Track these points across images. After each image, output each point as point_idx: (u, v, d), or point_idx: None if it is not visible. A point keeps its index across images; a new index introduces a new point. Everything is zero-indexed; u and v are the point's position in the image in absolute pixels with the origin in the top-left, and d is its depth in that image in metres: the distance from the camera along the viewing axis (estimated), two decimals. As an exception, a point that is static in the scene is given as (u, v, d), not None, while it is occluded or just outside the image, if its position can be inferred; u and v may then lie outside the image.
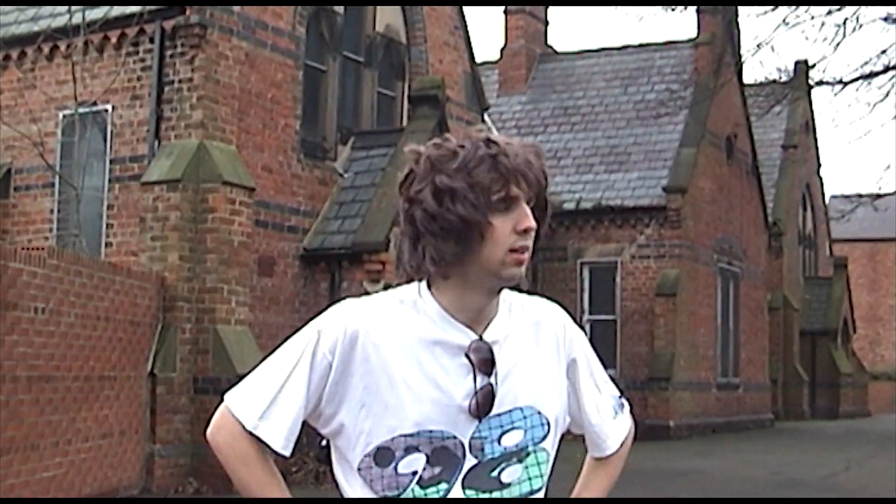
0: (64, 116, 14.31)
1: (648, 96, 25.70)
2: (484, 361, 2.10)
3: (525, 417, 2.16)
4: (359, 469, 2.09)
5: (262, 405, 2.08)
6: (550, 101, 27.52)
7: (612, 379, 2.46)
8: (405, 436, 2.05)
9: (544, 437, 2.20)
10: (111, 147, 14.10)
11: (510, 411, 2.13)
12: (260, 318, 14.29)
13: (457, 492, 2.08)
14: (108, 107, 14.04)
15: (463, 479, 2.08)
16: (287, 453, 2.10)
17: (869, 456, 20.17)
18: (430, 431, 2.06)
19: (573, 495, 2.47)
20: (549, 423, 2.20)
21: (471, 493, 2.09)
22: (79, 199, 13.28)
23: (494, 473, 2.11)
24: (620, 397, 2.44)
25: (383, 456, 2.06)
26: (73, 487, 10.66)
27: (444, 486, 2.07)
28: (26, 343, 9.97)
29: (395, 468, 2.05)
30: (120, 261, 13.22)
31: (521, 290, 2.24)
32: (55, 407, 10.42)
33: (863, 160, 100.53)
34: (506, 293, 2.18)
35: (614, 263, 24.16)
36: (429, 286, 2.14)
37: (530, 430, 2.17)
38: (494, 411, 2.11)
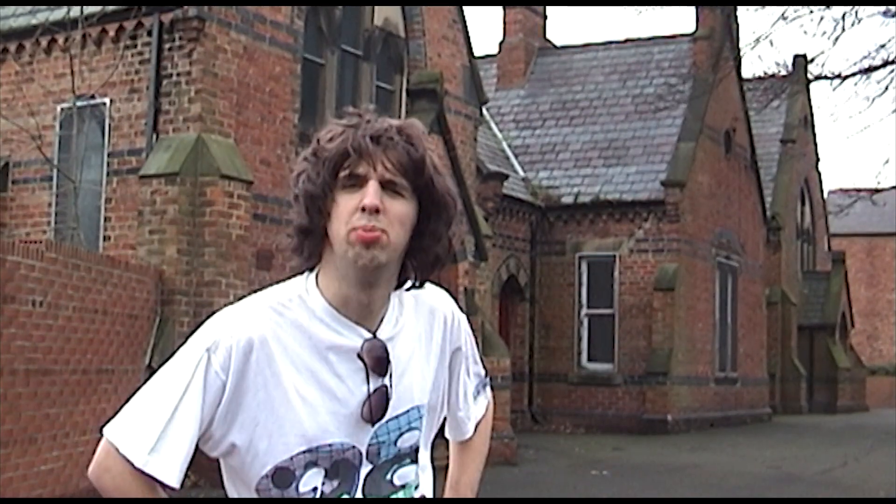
0: (62, 110, 14.29)
1: (647, 90, 25.70)
2: (378, 361, 1.96)
3: (420, 417, 2.04)
4: (257, 490, 1.95)
5: (151, 438, 1.88)
6: (549, 95, 27.51)
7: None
8: (304, 452, 1.92)
9: (426, 433, 2.09)
10: (109, 140, 14.08)
11: (407, 411, 2.02)
12: (258, 312, 14.28)
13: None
14: (107, 100, 14.02)
15: (362, 487, 1.98)
16: (178, 486, 1.91)
17: (867, 451, 20.20)
18: (330, 445, 1.93)
19: (450, 480, 2.37)
20: (427, 417, 2.08)
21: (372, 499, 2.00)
22: (77, 192, 13.27)
23: (388, 476, 2.01)
24: (486, 376, 2.35)
25: (282, 476, 1.93)
26: (70, 481, 10.66)
27: (345, 496, 1.97)
28: (24, 336, 9.96)
29: (297, 488, 1.93)
30: (118, 254, 13.22)
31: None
32: (53, 400, 10.42)
33: (861, 155, 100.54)
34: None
35: (612, 257, 24.17)
36: (317, 278, 2.01)
37: (426, 428, 2.07)
38: (392, 413, 1.99)
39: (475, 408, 2.31)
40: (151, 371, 12.39)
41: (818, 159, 39.44)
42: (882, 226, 52.29)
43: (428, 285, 2.11)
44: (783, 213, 33.73)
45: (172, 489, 1.92)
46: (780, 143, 34.98)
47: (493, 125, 26.54)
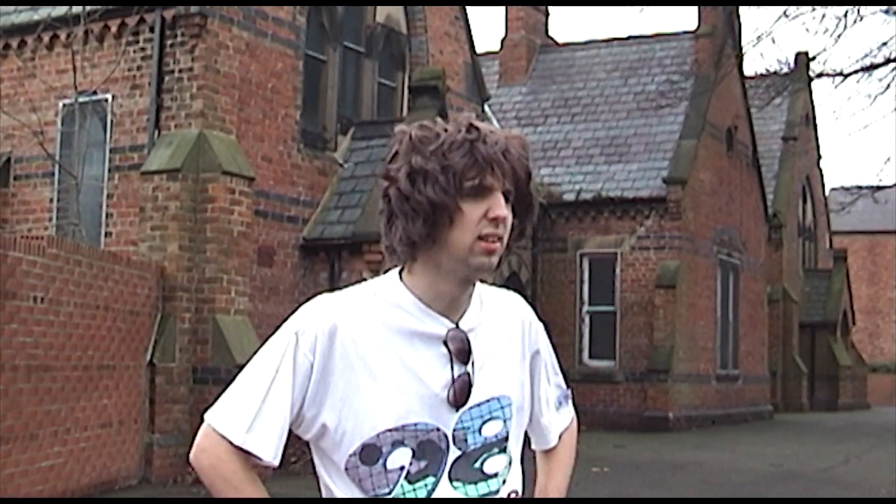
0: (64, 106, 14.29)
1: (649, 87, 25.67)
2: (461, 350, 2.09)
3: (502, 407, 2.16)
4: (346, 469, 2.06)
5: (248, 418, 2.03)
6: (551, 92, 27.49)
7: (567, 375, 2.46)
8: (390, 430, 2.04)
9: (515, 428, 2.20)
10: (111, 136, 14.09)
11: (488, 401, 2.13)
12: (259, 309, 14.29)
13: (444, 484, 2.08)
14: (108, 96, 14.02)
15: (449, 472, 2.08)
16: (276, 463, 2.05)
17: (868, 448, 20.20)
18: (415, 424, 2.05)
19: (538, 487, 2.45)
20: (516, 414, 2.21)
21: (457, 485, 2.09)
22: (78, 188, 13.28)
23: (477, 464, 2.12)
24: (567, 388, 2.46)
25: (370, 454, 2.04)
26: (71, 477, 10.67)
27: (430, 479, 2.07)
28: (25, 332, 9.97)
29: (384, 464, 2.04)
30: (119, 250, 13.22)
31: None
32: (54, 396, 10.42)
33: (863, 152, 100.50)
34: (477, 285, 2.17)
35: (614, 255, 24.15)
36: (400, 276, 2.14)
37: (509, 421, 2.17)
38: (473, 401, 2.11)
39: (558, 418, 2.42)
40: (153, 368, 12.41)
41: (820, 157, 39.41)
42: (883, 223, 52.28)
43: (506, 291, 2.30)
44: (785, 210, 33.71)
45: (269, 466, 2.05)
46: (781, 140, 34.95)
47: (494, 122, 26.52)
